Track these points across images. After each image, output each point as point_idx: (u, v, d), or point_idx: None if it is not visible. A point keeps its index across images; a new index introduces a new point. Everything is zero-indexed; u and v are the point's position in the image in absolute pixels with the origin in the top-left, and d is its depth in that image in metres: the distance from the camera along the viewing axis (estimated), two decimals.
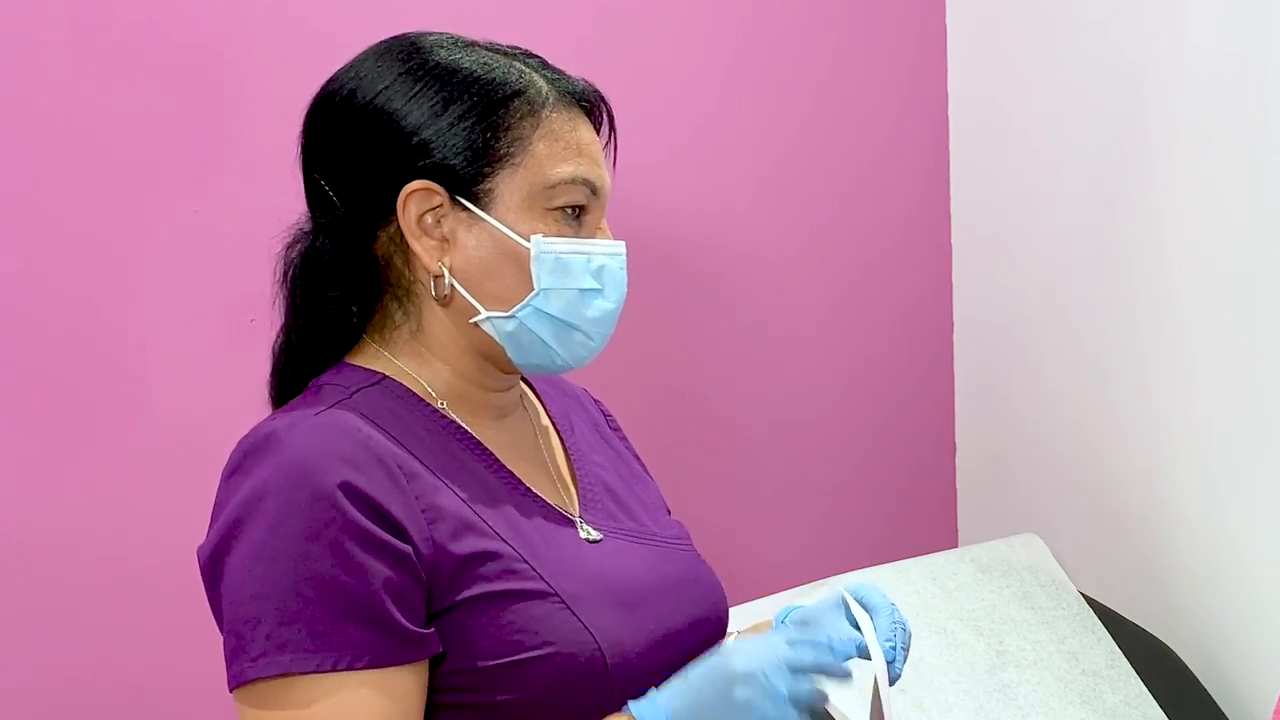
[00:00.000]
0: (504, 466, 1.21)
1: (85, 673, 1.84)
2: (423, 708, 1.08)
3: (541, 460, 1.28)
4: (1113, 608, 2.07)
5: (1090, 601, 2.06)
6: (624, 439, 1.44)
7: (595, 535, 1.23)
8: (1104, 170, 2.11)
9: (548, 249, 1.16)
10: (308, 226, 1.23)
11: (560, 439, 1.34)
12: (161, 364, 1.88)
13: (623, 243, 1.22)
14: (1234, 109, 1.88)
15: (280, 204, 1.93)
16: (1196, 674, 1.99)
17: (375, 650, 1.04)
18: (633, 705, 1.09)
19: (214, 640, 1.12)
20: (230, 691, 1.08)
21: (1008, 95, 2.31)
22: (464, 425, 1.21)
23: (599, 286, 1.19)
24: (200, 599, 1.09)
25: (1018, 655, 1.95)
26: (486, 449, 1.21)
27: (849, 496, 2.38)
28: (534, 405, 1.35)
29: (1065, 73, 2.18)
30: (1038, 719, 1.88)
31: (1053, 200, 2.23)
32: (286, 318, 1.23)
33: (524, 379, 1.33)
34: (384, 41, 1.24)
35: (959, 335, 2.46)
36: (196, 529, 1.89)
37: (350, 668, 1.03)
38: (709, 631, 1.26)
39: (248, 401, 1.95)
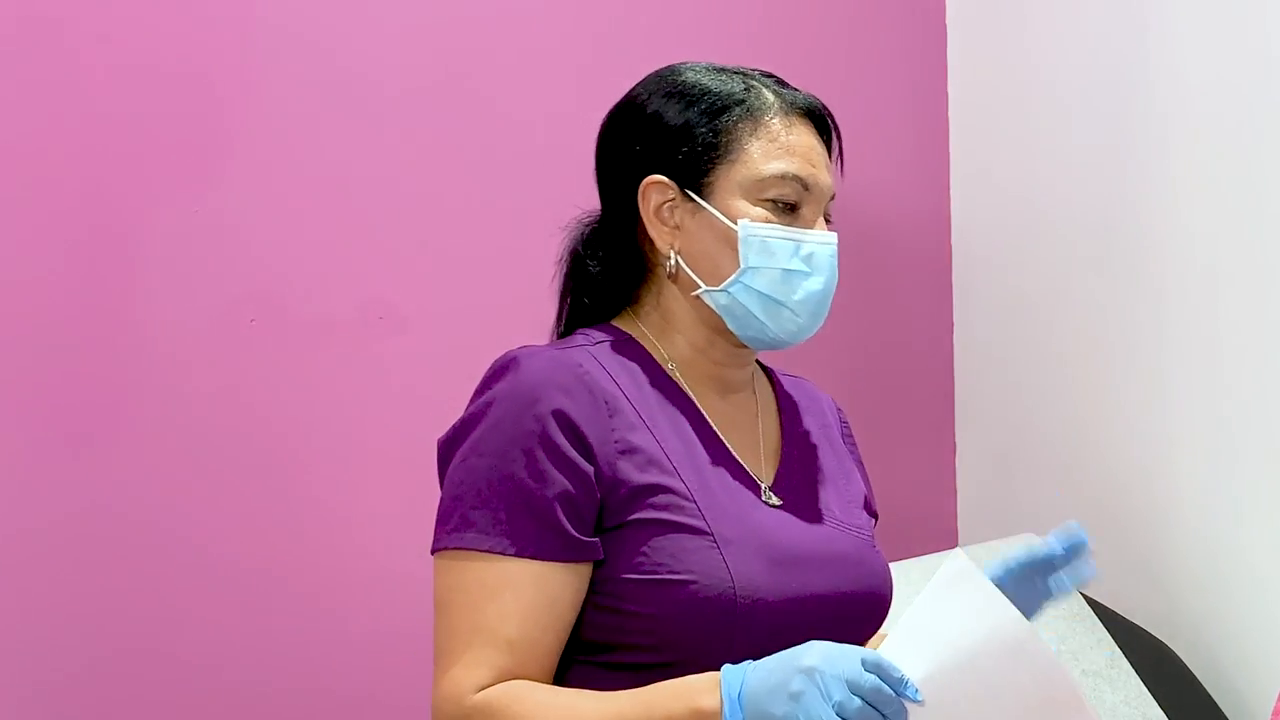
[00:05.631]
0: (710, 427, 1.36)
1: (87, 671, 1.84)
2: (576, 608, 1.25)
3: (754, 437, 1.41)
4: (1113, 608, 2.07)
5: (1090, 601, 2.06)
6: (854, 452, 1.56)
7: (776, 501, 1.36)
8: (1104, 170, 2.11)
9: (754, 232, 1.33)
10: (589, 219, 1.44)
11: (780, 426, 1.46)
12: (161, 365, 1.88)
13: (834, 234, 1.37)
14: (1234, 109, 1.88)
15: (281, 204, 1.94)
16: (1196, 674, 1.99)
17: (538, 545, 1.23)
18: (726, 669, 1.19)
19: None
20: (431, 554, 1.28)
21: (1008, 95, 2.31)
22: (686, 388, 1.37)
23: (807, 270, 1.34)
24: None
25: None
26: (698, 409, 1.37)
27: None
28: (767, 394, 1.48)
29: (1065, 72, 2.18)
30: None
31: (1053, 200, 2.23)
32: (563, 289, 1.45)
33: (770, 379, 1.50)
34: (657, 70, 1.43)
35: (959, 335, 2.46)
36: (196, 528, 1.90)
37: (515, 554, 1.23)
38: (861, 608, 1.35)
39: (248, 401, 1.96)
